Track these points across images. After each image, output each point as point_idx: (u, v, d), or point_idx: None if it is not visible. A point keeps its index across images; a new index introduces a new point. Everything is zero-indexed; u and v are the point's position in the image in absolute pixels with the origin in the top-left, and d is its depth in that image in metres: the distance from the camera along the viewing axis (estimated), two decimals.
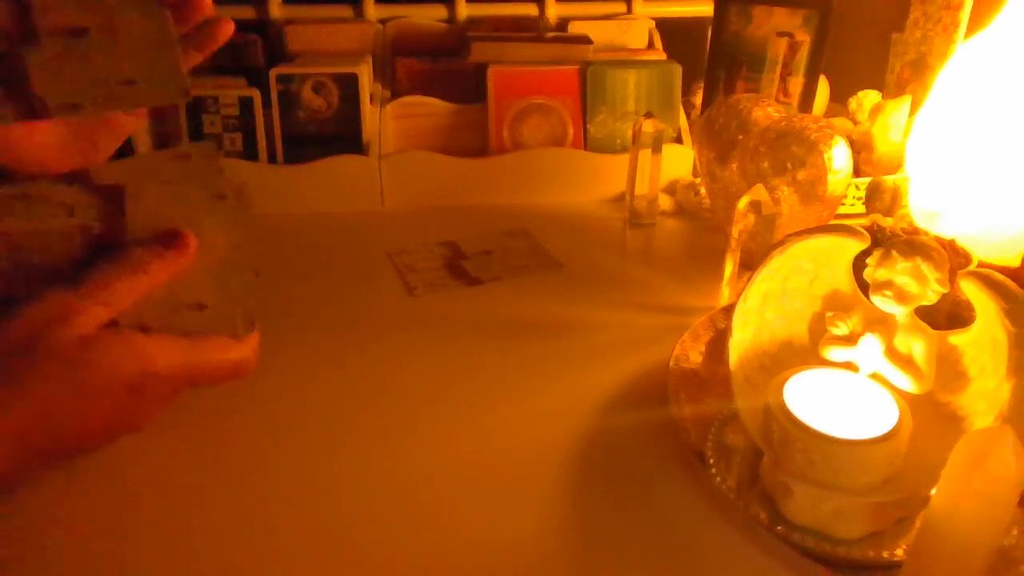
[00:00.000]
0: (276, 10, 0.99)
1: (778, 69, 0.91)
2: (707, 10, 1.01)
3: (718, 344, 0.59)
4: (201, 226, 0.44)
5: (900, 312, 0.43)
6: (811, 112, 0.91)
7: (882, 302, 0.42)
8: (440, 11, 1.02)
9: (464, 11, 1.02)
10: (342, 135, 0.89)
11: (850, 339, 0.44)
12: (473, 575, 0.42)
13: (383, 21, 1.01)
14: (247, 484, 0.48)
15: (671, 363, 0.56)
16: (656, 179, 0.83)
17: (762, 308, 0.47)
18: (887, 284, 0.42)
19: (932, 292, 0.41)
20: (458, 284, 0.73)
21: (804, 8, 0.89)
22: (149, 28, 0.41)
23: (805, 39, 0.89)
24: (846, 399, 0.43)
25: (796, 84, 0.91)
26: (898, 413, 0.41)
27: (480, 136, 0.93)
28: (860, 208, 0.83)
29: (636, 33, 1.04)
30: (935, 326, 0.43)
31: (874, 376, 0.44)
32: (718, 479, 0.46)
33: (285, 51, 0.96)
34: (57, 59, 0.39)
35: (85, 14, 0.40)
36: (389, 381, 0.58)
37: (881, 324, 0.43)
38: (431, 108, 0.92)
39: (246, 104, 0.87)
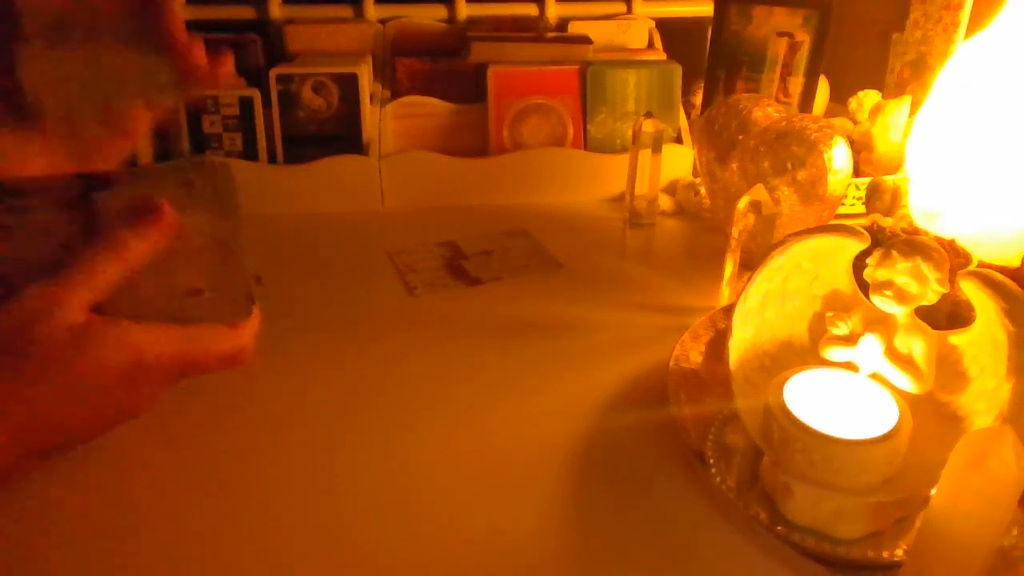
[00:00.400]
0: (276, 10, 0.99)
1: (778, 69, 0.91)
2: (707, 10, 1.01)
3: (718, 344, 0.59)
4: (182, 211, 0.43)
5: (900, 312, 0.43)
6: (811, 112, 0.91)
7: (882, 302, 0.42)
8: (440, 11, 1.02)
9: (464, 11, 1.02)
10: (342, 135, 0.89)
11: (850, 339, 0.44)
12: (473, 575, 0.42)
13: (383, 21, 1.01)
14: (247, 484, 0.48)
15: (671, 363, 0.56)
16: (656, 179, 0.83)
17: (762, 308, 0.47)
18: (887, 284, 0.42)
19: (932, 292, 0.41)
20: (458, 284, 0.73)
21: (804, 8, 0.89)
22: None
23: (805, 39, 0.89)
24: (846, 399, 0.43)
25: (796, 84, 0.91)
26: (898, 413, 0.41)
27: (480, 136, 0.93)
28: (860, 208, 0.83)
29: (636, 33, 1.04)
30: (935, 326, 0.43)
31: (874, 376, 0.44)
32: (718, 479, 0.46)
33: (285, 51, 0.96)
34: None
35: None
36: (389, 381, 0.58)
37: (881, 324, 0.43)
38: (431, 108, 0.92)
39: (246, 104, 0.87)
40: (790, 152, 0.68)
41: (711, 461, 0.47)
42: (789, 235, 0.45)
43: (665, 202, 0.88)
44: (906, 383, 0.42)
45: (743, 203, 0.63)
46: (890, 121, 0.86)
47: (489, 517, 0.45)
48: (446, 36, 1.02)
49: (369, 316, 0.67)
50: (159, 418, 0.46)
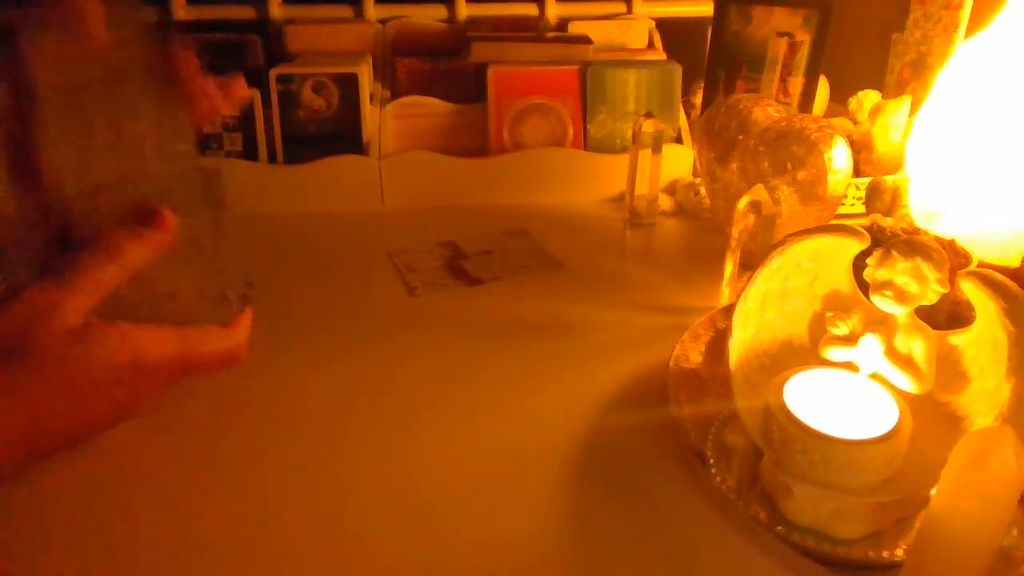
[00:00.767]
0: (276, 10, 0.99)
1: (778, 69, 0.91)
2: (707, 10, 1.01)
3: (718, 344, 0.59)
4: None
5: (900, 312, 0.43)
6: (811, 112, 0.91)
7: (882, 302, 0.42)
8: (440, 11, 1.02)
9: (464, 11, 1.02)
10: (342, 135, 0.89)
11: (850, 339, 0.44)
12: (473, 575, 0.42)
13: (383, 21, 1.01)
14: (247, 483, 0.48)
15: (671, 363, 0.56)
16: (656, 179, 0.83)
17: (762, 308, 0.47)
18: (887, 284, 0.42)
19: (932, 292, 0.41)
20: (458, 284, 0.73)
21: (804, 8, 0.89)
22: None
23: (805, 39, 0.89)
24: (846, 399, 0.43)
25: (796, 84, 0.91)
26: (898, 413, 0.41)
27: (480, 136, 0.93)
28: (860, 208, 0.83)
29: (636, 33, 1.04)
30: (935, 326, 0.43)
31: (874, 376, 0.44)
32: (718, 479, 0.46)
33: (285, 51, 0.96)
34: None
35: None
36: (389, 381, 0.58)
37: (881, 324, 0.43)
38: (431, 108, 0.92)
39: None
40: (790, 152, 0.68)
41: (711, 461, 0.47)
42: (789, 235, 0.45)
43: (665, 202, 0.88)
44: (906, 383, 0.42)
45: (743, 203, 0.63)
46: (890, 121, 0.86)
47: (489, 517, 0.45)
48: (446, 36, 1.02)
49: (369, 316, 0.67)
50: (159, 418, 0.46)
